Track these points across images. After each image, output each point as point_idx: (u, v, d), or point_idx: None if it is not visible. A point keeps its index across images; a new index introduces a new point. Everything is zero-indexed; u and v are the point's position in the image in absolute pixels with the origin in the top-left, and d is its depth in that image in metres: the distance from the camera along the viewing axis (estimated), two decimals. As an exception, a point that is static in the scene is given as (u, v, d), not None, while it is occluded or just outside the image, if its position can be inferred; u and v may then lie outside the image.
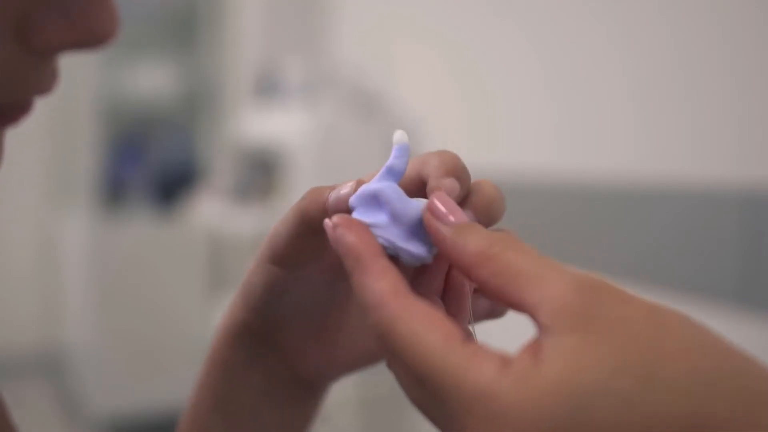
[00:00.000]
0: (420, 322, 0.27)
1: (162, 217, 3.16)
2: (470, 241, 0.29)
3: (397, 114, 2.39)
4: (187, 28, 3.81)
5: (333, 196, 0.33)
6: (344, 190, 0.33)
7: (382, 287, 0.28)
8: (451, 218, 0.30)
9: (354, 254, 0.30)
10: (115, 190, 3.48)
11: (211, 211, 3.02)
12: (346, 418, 2.20)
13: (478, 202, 0.34)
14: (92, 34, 0.26)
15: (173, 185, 3.50)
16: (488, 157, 1.94)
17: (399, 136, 0.34)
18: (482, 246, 0.28)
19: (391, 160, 0.34)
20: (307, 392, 0.42)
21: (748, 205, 1.29)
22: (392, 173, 0.34)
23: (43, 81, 0.28)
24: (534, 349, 0.25)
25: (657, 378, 0.23)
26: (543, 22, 1.83)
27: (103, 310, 2.84)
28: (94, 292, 2.85)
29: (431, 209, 0.31)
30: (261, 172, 2.92)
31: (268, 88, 2.89)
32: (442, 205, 0.31)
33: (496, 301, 0.29)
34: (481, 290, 0.29)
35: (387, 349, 0.28)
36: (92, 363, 2.84)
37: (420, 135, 2.27)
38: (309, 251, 0.36)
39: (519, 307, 0.27)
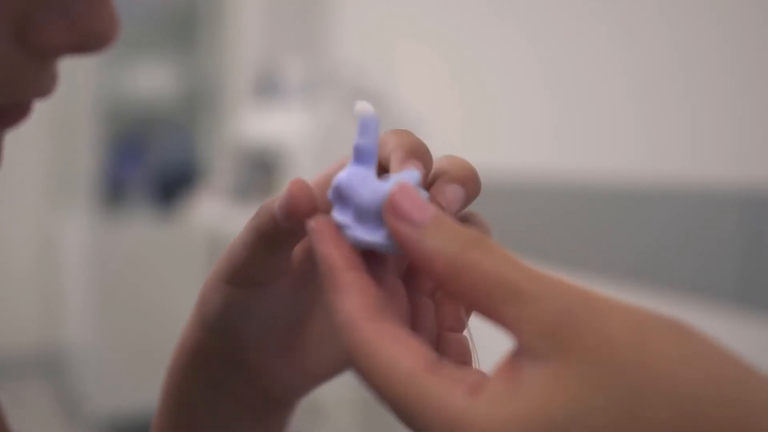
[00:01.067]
0: (387, 347, 0.25)
1: (162, 217, 3.16)
2: (439, 247, 0.26)
3: (397, 114, 2.39)
4: (187, 28, 3.81)
5: (277, 204, 0.31)
6: (289, 186, 0.31)
7: (350, 307, 0.26)
8: (416, 216, 0.27)
9: (326, 266, 0.28)
10: (115, 190, 3.48)
11: (211, 211, 3.02)
12: (345, 417, 2.20)
13: (454, 181, 0.31)
14: (92, 36, 0.26)
15: (173, 185, 3.50)
16: (489, 157, 1.94)
17: (359, 107, 0.29)
18: (454, 253, 0.26)
19: (356, 139, 0.29)
20: (278, 409, 0.40)
21: (748, 205, 1.29)
22: (361, 155, 0.29)
23: (43, 83, 0.28)
24: (511, 370, 0.24)
25: (643, 402, 0.22)
26: (543, 22, 1.83)
27: (103, 310, 2.84)
28: (94, 292, 2.85)
29: (392, 206, 0.27)
30: (261, 172, 2.92)
31: (268, 88, 2.89)
32: (405, 200, 0.27)
33: (474, 313, 0.27)
34: (456, 300, 0.27)
35: (357, 371, 0.26)
36: (92, 363, 2.84)
37: (420, 135, 2.26)
38: (269, 270, 0.34)
39: (498, 323, 0.25)
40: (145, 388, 2.81)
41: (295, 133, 2.48)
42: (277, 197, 0.32)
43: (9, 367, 3.29)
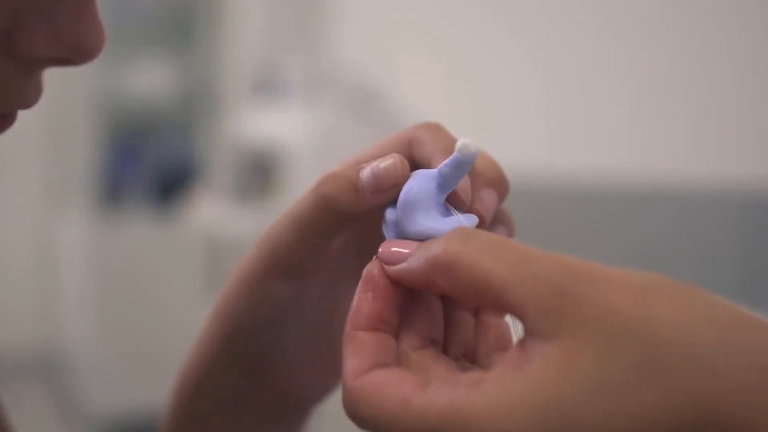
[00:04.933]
0: (376, 392, 0.25)
1: (160, 218, 3.15)
2: (423, 253, 0.27)
3: (397, 114, 2.39)
4: (186, 26, 3.80)
5: (369, 169, 0.29)
6: (384, 161, 0.29)
7: (351, 366, 0.27)
8: (405, 254, 0.28)
9: (353, 312, 0.28)
10: (113, 191, 3.48)
11: (210, 212, 3.02)
12: (345, 418, 2.20)
13: (488, 185, 0.31)
14: (78, 49, 0.27)
15: (171, 185, 3.49)
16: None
17: (461, 144, 0.28)
18: (437, 251, 0.26)
19: (443, 168, 0.29)
20: (300, 417, 0.39)
21: (748, 205, 1.29)
22: (443, 183, 0.29)
23: (28, 94, 0.28)
24: (518, 355, 0.24)
25: (651, 369, 0.22)
26: (542, 22, 1.82)
27: (101, 311, 2.84)
28: (93, 293, 2.85)
29: (386, 261, 0.28)
30: (260, 172, 2.92)
31: (267, 87, 2.88)
32: (392, 252, 0.28)
33: (476, 306, 0.28)
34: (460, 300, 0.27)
35: (362, 426, 0.26)
36: (90, 364, 2.84)
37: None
38: (318, 255, 0.32)
39: (502, 312, 0.25)
40: (143, 389, 2.81)
41: (295, 134, 2.47)
42: (350, 167, 0.30)
43: (7, 367, 3.28)
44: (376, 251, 0.29)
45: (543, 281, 0.24)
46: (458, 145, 0.28)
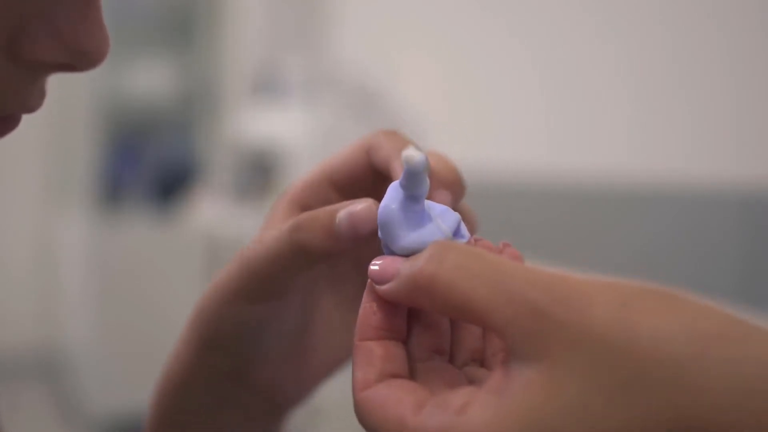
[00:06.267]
0: (380, 407, 0.26)
1: (160, 218, 3.16)
2: (404, 270, 0.27)
3: (397, 114, 2.39)
4: (186, 26, 3.80)
5: (344, 215, 0.30)
6: (359, 206, 0.30)
7: (358, 377, 0.28)
8: (392, 274, 0.28)
9: (359, 324, 0.29)
10: (113, 191, 3.48)
11: (210, 212, 3.02)
12: (345, 416, 2.20)
13: (442, 186, 0.32)
14: (82, 55, 0.27)
15: (172, 185, 3.49)
16: (489, 156, 1.94)
17: (406, 155, 0.28)
18: (414, 272, 0.26)
19: (404, 184, 0.29)
20: (281, 415, 0.40)
21: (748, 205, 1.29)
22: (410, 199, 0.29)
23: (31, 99, 0.28)
24: (501, 379, 0.24)
25: (632, 389, 0.22)
26: (542, 20, 1.82)
27: (101, 311, 2.84)
28: (93, 293, 2.85)
29: (374, 280, 0.29)
30: (260, 172, 2.92)
31: (267, 87, 2.88)
32: (382, 269, 0.28)
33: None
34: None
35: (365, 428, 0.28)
36: (90, 364, 2.84)
37: (420, 134, 2.27)
38: (298, 285, 0.34)
39: (486, 329, 0.26)
40: (143, 389, 2.80)
41: (295, 133, 2.47)
42: (323, 210, 0.31)
43: (7, 367, 3.28)
44: (360, 267, 0.30)
45: (521, 303, 0.24)
46: (403, 157, 0.28)
